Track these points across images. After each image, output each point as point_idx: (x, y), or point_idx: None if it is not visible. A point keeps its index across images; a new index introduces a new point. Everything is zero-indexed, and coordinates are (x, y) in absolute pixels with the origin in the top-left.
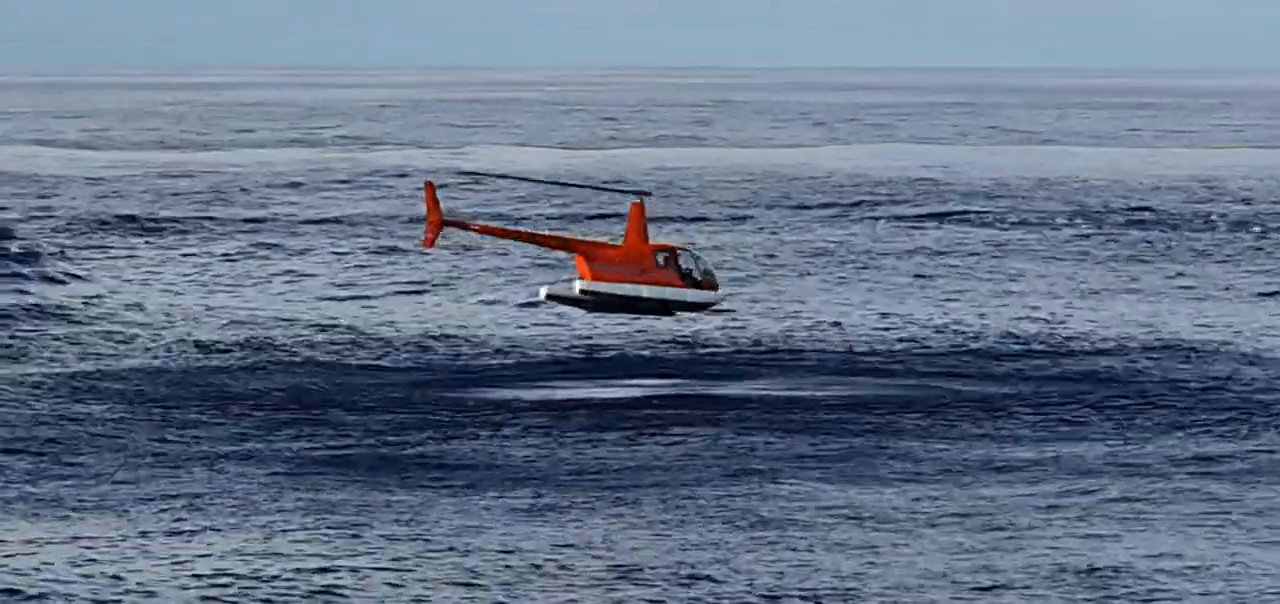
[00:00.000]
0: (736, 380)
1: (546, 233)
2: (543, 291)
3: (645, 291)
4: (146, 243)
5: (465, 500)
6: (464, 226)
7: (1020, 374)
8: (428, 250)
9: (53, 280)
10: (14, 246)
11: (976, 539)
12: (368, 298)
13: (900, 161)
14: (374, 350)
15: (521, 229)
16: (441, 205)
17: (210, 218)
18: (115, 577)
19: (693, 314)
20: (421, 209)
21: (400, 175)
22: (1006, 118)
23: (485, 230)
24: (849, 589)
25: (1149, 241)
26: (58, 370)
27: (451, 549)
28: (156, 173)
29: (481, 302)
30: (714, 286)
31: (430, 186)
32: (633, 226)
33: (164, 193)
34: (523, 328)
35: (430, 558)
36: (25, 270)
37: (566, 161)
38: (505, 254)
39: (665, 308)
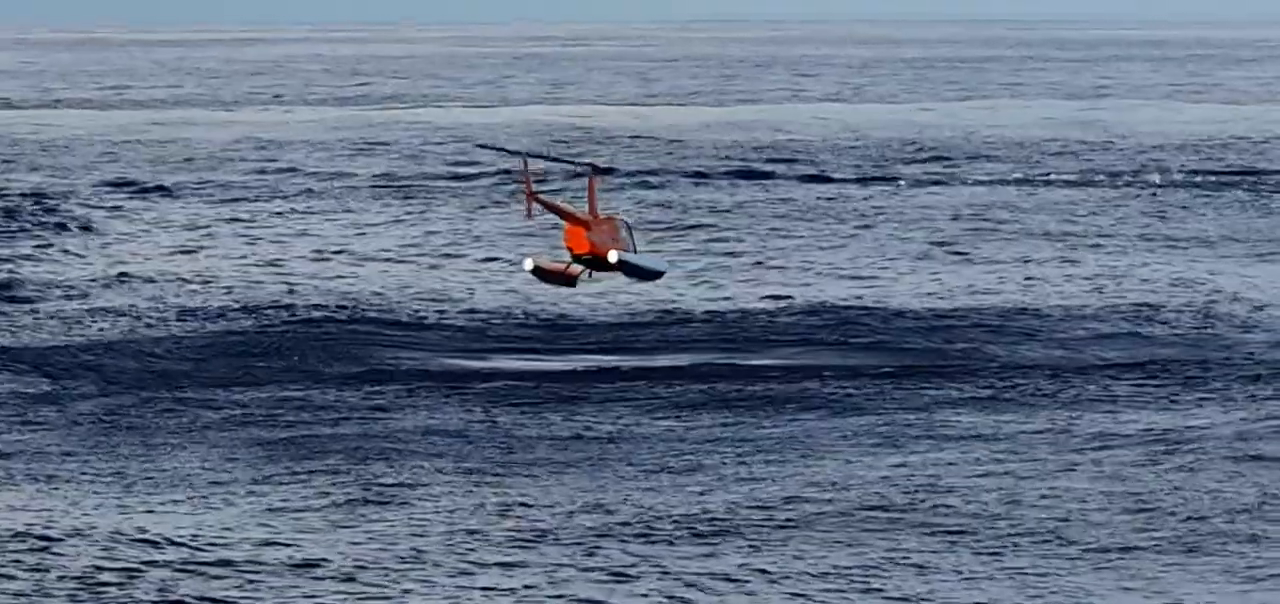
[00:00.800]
0: (695, 352)
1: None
2: (528, 263)
3: (646, 262)
4: (160, 206)
5: (395, 469)
6: (535, 198)
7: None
8: (527, 220)
9: (58, 247)
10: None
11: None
12: (352, 261)
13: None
14: (337, 315)
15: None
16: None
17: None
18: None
19: (651, 283)
20: (428, 168)
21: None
22: (1033, 70)
23: (546, 204)
24: (775, 564)
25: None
26: (29, 342)
27: (378, 517)
28: (184, 132)
29: (465, 269)
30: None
31: (524, 160)
32: (593, 199)
33: (186, 154)
34: (502, 295)
35: (356, 527)
36: (37, 237)
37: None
38: (500, 219)
39: (653, 276)
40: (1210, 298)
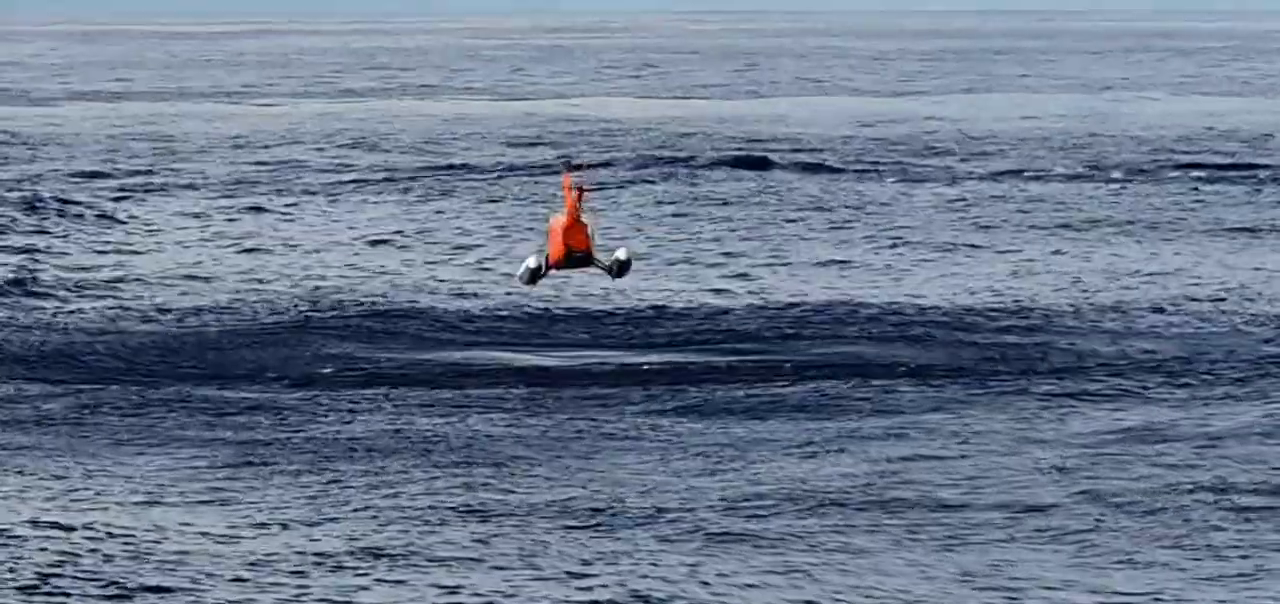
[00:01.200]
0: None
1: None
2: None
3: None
4: (155, 200)
5: (359, 466)
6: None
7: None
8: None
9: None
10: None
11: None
12: (345, 254)
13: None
14: (323, 310)
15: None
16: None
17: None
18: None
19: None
20: (428, 161)
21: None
22: (1046, 65)
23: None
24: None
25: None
26: (8, 335)
27: (338, 514)
28: (188, 124)
29: (457, 264)
30: None
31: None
32: (568, 194)
33: (188, 147)
34: (490, 289)
35: (316, 524)
36: (32, 229)
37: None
38: (495, 213)
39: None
40: (1198, 292)
